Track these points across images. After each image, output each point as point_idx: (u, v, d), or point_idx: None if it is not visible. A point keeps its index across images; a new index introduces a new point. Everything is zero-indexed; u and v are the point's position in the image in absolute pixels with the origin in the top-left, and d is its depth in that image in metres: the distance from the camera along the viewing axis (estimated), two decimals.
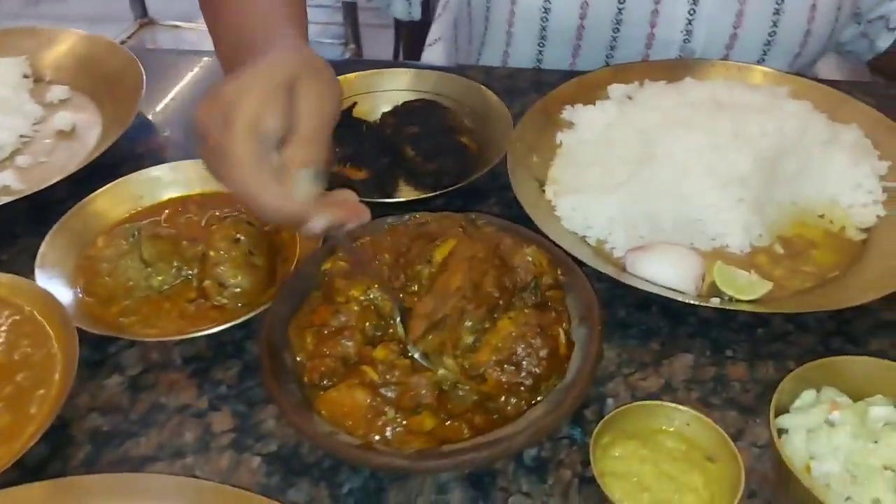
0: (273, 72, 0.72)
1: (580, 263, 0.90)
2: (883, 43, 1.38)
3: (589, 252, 0.99)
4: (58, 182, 1.08)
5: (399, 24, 2.48)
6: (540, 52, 1.38)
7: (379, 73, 1.24)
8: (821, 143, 1.08)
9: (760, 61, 1.28)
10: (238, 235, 0.93)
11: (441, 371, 0.80)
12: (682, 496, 0.72)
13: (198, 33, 3.63)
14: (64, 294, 0.92)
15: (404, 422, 0.75)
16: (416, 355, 0.81)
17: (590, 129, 1.15)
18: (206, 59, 1.43)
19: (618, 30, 1.29)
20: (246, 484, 0.78)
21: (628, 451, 0.76)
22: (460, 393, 0.79)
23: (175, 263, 0.96)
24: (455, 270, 0.84)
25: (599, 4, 1.26)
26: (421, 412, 0.76)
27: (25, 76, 1.35)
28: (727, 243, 1.01)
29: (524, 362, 0.79)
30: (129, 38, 3.67)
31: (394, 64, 1.27)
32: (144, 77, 1.25)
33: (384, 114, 1.19)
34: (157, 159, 1.15)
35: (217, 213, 1.03)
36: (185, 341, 0.92)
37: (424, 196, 1.05)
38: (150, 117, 1.30)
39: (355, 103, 1.21)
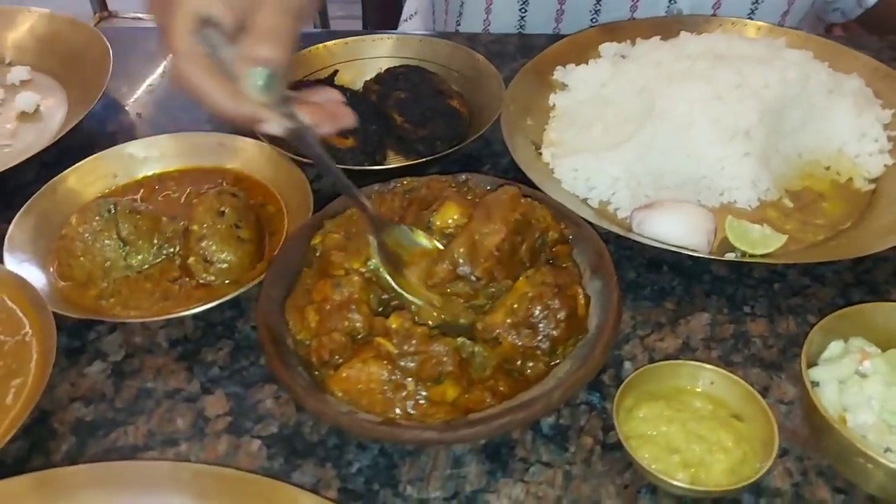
0: None
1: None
2: None
3: (592, 214, 0.95)
4: (24, 163, 1.01)
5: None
6: (522, 18, 1.33)
7: (361, 39, 1.19)
8: (823, 92, 1.04)
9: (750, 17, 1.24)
10: (222, 208, 0.87)
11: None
12: (713, 456, 0.68)
13: None
14: (36, 278, 0.86)
15: (425, 393, 0.70)
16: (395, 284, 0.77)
17: (584, 89, 1.11)
18: None
19: None
20: (247, 469, 0.72)
21: (653, 412, 0.71)
22: (478, 360, 0.74)
23: (155, 241, 0.89)
24: (499, 230, 0.78)
25: None
26: (443, 381, 0.71)
27: None
28: (735, 198, 0.97)
29: (541, 325, 0.74)
30: None
31: (374, 32, 1.21)
32: (111, 53, 1.17)
33: (367, 81, 1.14)
34: (131, 138, 1.08)
35: (198, 189, 0.97)
36: (170, 322, 0.86)
37: (416, 162, 0.99)
38: (118, 96, 1.23)
39: (336, 71, 1.15)
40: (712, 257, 0.86)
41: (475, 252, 0.77)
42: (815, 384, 0.72)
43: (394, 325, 0.74)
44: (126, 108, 1.21)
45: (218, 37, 0.65)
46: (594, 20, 1.29)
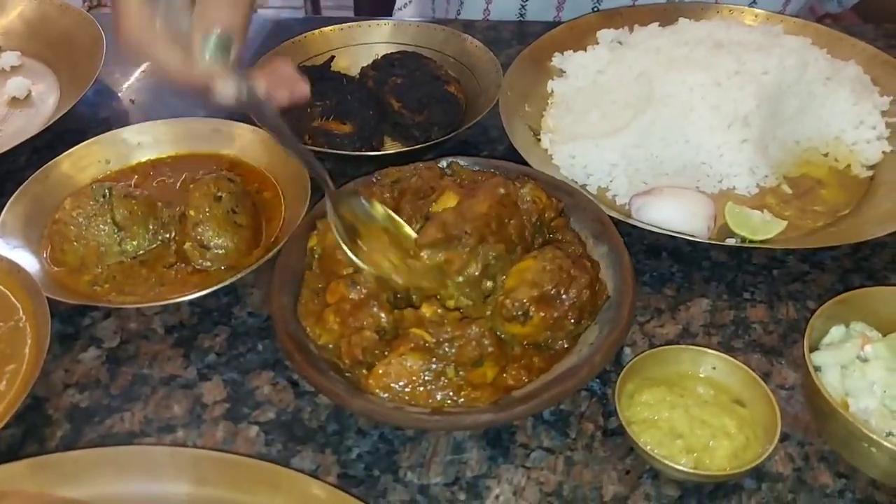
0: None
1: None
2: None
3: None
4: (16, 148, 0.99)
5: None
6: (523, 5, 1.32)
7: (356, 26, 1.17)
8: (822, 79, 1.04)
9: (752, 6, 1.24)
10: (219, 192, 0.86)
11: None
12: (717, 441, 0.68)
13: None
14: (29, 264, 0.84)
15: (464, 374, 0.70)
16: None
17: (582, 75, 1.10)
18: None
19: None
20: (245, 455, 0.71)
21: (655, 397, 0.71)
22: (506, 338, 0.74)
23: (150, 226, 0.88)
24: (485, 199, 0.77)
25: None
26: (484, 363, 0.70)
27: None
28: (734, 185, 0.96)
29: (565, 295, 0.73)
30: None
31: (370, 18, 1.20)
32: (104, 37, 1.16)
33: (364, 67, 1.13)
34: (125, 124, 1.07)
35: (194, 175, 0.96)
36: (166, 308, 0.85)
37: (413, 148, 0.99)
38: (111, 83, 1.21)
39: (333, 57, 1.14)
40: (712, 242, 0.86)
41: (463, 217, 0.76)
42: (817, 369, 0.72)
43: (427, 314, 0.72)
44: (119, 94, 1.19)
45: (174, 3, 0.64)
46: (595, 9, 1.28)
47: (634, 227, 0.87)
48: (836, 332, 0.75)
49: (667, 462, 0.66)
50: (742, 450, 0.68)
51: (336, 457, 0.72)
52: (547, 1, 1.30)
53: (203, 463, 0.63)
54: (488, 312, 0.75)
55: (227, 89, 0.65)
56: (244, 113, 0.82)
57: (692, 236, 0.86)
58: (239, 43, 0.65)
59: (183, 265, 0.86)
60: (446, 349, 0.71)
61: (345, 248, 0.76)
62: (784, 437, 0.72)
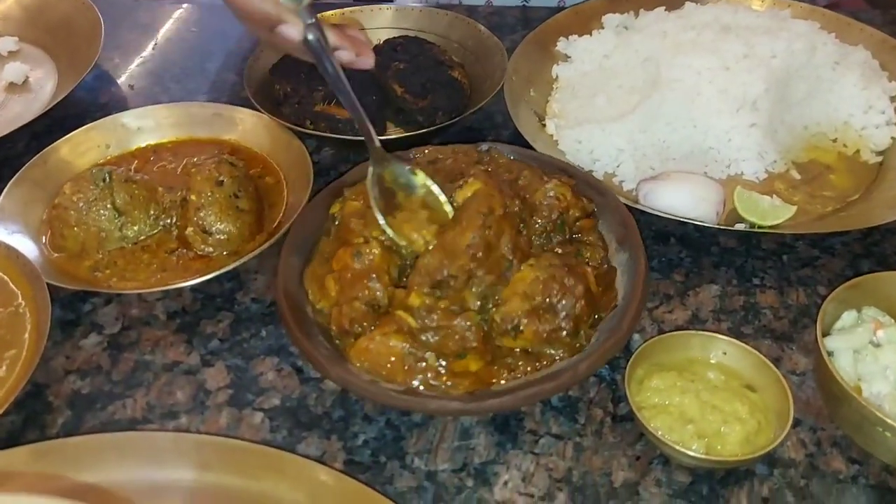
0: None
1: None
2: None
3: None
4: (14, 133, 0.98)
5: None
6: None
7: (359, 10, 1.16)
8: (830, 64, 1.03)
9: None
10: (221, 177, 0.85)
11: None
12: (729, 426, 0.67)
13: None
14: (28, 249, 0.83)
15: (446, 364, 0.69)
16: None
17: (588, 60, 1.09)
18: (166, 6, 1.33)
19: None
20: (250, 441, 0.70)
21: (666, 383, 0.70)
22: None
23: (151, 211, 0.87)
24: (468, 227, 0.74)
25: None
26: (466, 357, 0.69)
27: None
28: (742, 170, 0.95)
29: (559, 305, 0.71)
30: None
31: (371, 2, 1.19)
32: (102, 22, 1.14)
33: None
34: (124, 110, 1.05)
35: (195, 160, 0.94)
36: (168, 294, 0.83)
37: (415, 133, 0.97)
38: (110, 68, 1.20)
39: None
40: (721, 227, 0.85)
41: (448, 255, 0.73)
42: (830, 354, 0.71)
43: (415, 304, 0.71)
44: (118, 79, 1.18)
45: None
46: None
47: (643, 212, 0.86)
48: (848, 316, 0.74)
49: (678, 447, 0.65)
50: (754, 435, 0.67)
51: (342, 443, 0.71)
52: None
53: (207, 448, 0.62)
54: (498, 318, 0.72)
55: (293, 30, 0.67)
56: (309, 57, 0.78)
57: (701, 222, 0.85)
58: None
59: (185, 250, 0.85)
60: (429, 337, 0.70)
61: (376, 210, 0.75)
62: (796, 423, 0.71)
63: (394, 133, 1.03)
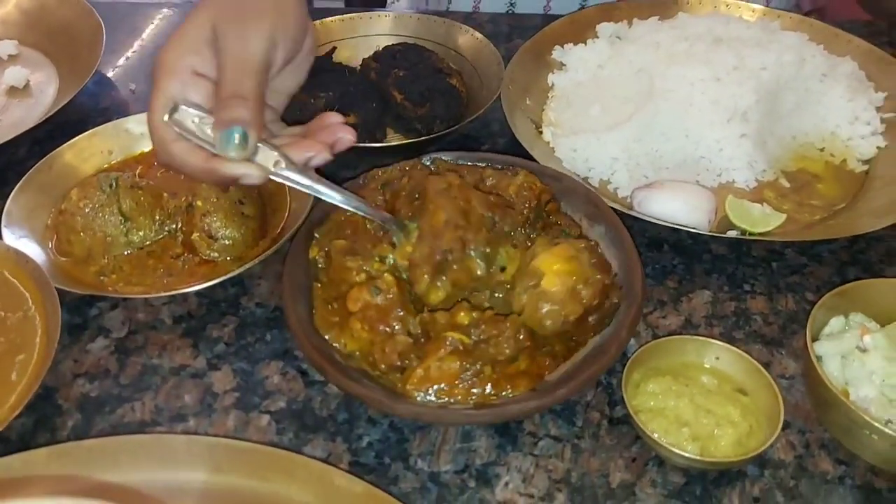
0: (185, 34, 0.68)
1: None
2: None
3: None
4: (17, 138, 0.99)
5: None
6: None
7: (358, 17, 1.18)
8: (818, 76, 1.06)
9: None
10: None
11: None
12: (722, 429, 0.69)
13: None
14: (35, 254, 0.84)
15: (500, 370, 0.71)
16: None
17: (582, 69, 1.11)
18: (165, 10, 1.34)
19: None
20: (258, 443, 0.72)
21: (661, 387, 0.72)
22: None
23: (157, 217, 0.88)
24: (437, 207, 0.77)
25: None
26: (519, 358, 0.71)
27: None
28: (733, 179, 0.98)
29: (584, 292, 0.74)
30: None
31: (371, 7, 1.21)
32: (104, 27, 1.15)
33: (366, 59, 1.13)
34: (125, 114, 1.07)
35: None
36: (174, 299, 0.85)
37: (415, 141, 0.99)
38: (110, 72, 1.21)
39: (334, 48, 1.15)
40: (714, 234, 0.88)
41: (436, 238, 0.76)
42: (819, 359, 0.73)
43: (466, 322, 0.73)
44: (119, 84, 1.19)
45: (194, 111, 0.67)
46: (584, 2, 1.30)
47: (637, 219, 0.89)
48: (836, 322, 0.77)
49: (674, 449, 0.67)
50: (746, 437, 0.69)
51: (347, 445, 0.73)
52: None
53: (218, 451, 0.64)
54: (524, 298, 0.74)
55: (253, 176, 0.67)
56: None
57: (694, 229, 0.87)
58: (256, 129, 0.66)
59: (190, 256, 0.87)
60: (483, 349, 0.71)
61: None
62: (786, 425, 0.74)
63: (394, 140, 1.05)
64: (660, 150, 0.99)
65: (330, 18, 1.17)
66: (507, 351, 0.71)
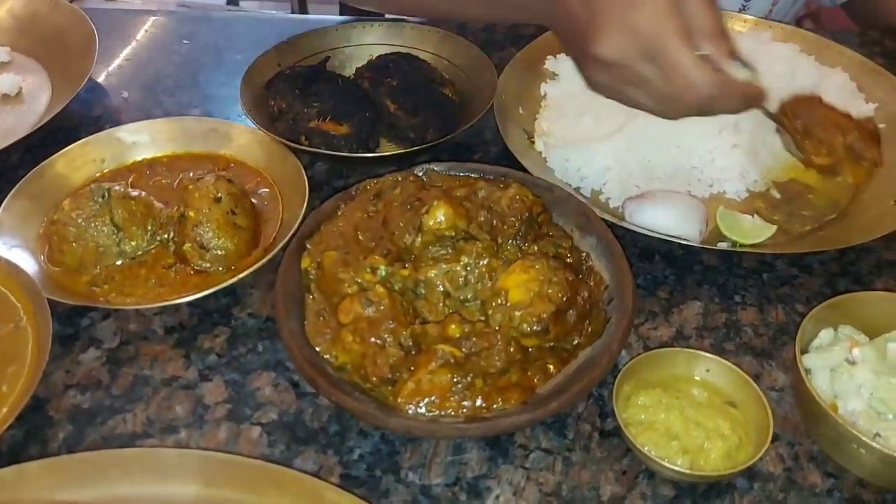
0: None
1: None
2: None
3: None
4: (9, 146, 0.99)
5: None
6: None
7: (351, 26, 1.18)
8: (809, 87, 1.06)
9: (742, 9, 1.26)
10: (219, 194, 0.87)
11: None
12: (711, 442, 0.70)
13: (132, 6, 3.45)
14: (27, 264, 0.84)
15: (492, 383, 0.71)
16: None
17: (575, 79, 1.10)
18: (154, 18, 1.34)
19: None
20: (248, 456, 0.72)
21: (651, 399, 0.73)
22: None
23: (149, 227, 0.88)
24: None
25: None
26: (510, 370, 0.72)
27: None
28: (724, 189, 0.98)
29: (573, 304, 0.76)
30: None
31: (364, 18, 1.21)
32: (97, 34, 1.15)
33: (359, 68, 1.13)
34: (117, 122, 1.07)
35: (191, 175, 0.96)
36: (165, 309, 0.85)
37: (408, 150, 0.99)
38: (102, 79, 1.21)
39: (328, 57, 1.15)
40: (705, 246, 0.88)
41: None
42: (807, 372, 0.74)
43: (457, 335, 0.73)
44: (111, 91, 1.19)
45: None
46: None
47: (628, 230, 0.89)
48: (825, 335, 0.77)
49: (664, 463, 0.68)
50: (735, 450, 0.70)
51: (338, 457, 0.73)
52: None
53: (211, 464, 0.64)
54: (498, 317, 0.75)
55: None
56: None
57: (685, 240, 0.88)
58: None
59: (182, 266, 0.87)
60: (474, 362, 0.71)
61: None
62: (774, 438, 0.74)
63: (387, 149, 1.05)
64: (651, 160, 1.00)
65: (323, 28, 1.17)
66: (499, 363, 0.71)
